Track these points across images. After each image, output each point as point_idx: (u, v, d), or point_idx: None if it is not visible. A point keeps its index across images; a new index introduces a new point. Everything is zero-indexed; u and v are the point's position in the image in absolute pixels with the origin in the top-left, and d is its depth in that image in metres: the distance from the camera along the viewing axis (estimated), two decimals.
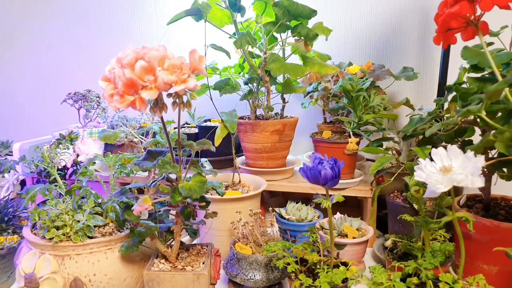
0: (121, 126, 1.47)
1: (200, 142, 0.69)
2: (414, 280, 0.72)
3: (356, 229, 1.02)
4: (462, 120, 0.90)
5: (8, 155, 1.55)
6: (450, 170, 0.63)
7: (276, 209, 1.14)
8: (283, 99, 1.34)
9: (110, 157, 0.92)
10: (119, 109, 0.57)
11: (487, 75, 0.93)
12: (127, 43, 1.77)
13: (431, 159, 0.67)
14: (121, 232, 0.85)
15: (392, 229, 1.12)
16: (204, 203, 0.73)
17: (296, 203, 1.15)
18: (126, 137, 1.44)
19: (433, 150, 0.66)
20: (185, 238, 1.06)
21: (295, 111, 1.61)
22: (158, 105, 0.61)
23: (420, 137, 1.11)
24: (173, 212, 0.84)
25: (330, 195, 0.80)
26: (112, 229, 0.86)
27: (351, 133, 1.21)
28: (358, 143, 1.18)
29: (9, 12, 1.94)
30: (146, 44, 1.77)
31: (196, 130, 1.51)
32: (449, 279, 0.69)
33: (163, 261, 0.83)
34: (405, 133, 1.10)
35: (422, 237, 0.87)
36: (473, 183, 0.59)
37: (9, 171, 1.32)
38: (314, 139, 1.24)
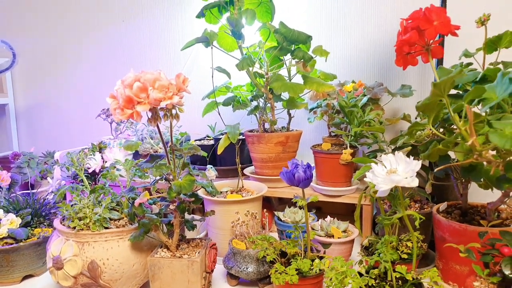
0: (148, 138, 1.66)
1: (192, 147, 0.84)
2: (375, 271, 0.81)
3: (343, 231, 1.11)
4: (433, 132, 0.99)
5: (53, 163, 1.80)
6: (395, 172, 0.73)
7: (276, 213, 1.26)
8: (289, 114, 1.48)
9: (127, 162, 1.09)
10: (121, 120, 0.73)
11: (460, 92, 1.01)
12: (156, 68, 1.99)
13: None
14: (132, 225, 1.01)
15: (381, 232, 1.20)
16: (193, 199, 0.87)
17: (294, 208, 1.27)
18: (151, 147, 1.63)
19: (383, 156, 0.76)
20: (192, 233, 1.21)
21: (305, 125, 1.74)
22: (153, 117, 0.77)
23: (408, 148, 1.20)
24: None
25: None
26: (125, 222, 1.02)
27: (348, 145, 1.31)
28: (353, 154, 1.28)
29: (60, 37, 2.24)
30: (172, 67, 1.98)
31: (213, 142, 1.67)
32: (403, 270, 0.78)
33: (165, 250, 0.98)
34: (395, 145, 1.19)
35: (397, 236, 0.96)
36: (409, 183, 0.69)
37: (52, 177, 1.54)
38: (313, 150, 1.36)
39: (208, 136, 1.87)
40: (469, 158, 0.77)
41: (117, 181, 1.11)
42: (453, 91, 1.03)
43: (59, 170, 1.32)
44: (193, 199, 0.87)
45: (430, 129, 0.99)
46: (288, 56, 1.35)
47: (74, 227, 0.95)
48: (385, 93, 1.39)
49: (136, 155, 1.69)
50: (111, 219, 1.01)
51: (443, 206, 1.07)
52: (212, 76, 1.29)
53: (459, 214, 1.04)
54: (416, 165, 0.71)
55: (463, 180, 1.02)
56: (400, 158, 0.74)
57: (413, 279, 0.77)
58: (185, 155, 0.84)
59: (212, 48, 1.25)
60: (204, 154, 0.85)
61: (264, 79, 1.32)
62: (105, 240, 0.96)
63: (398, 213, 0.79)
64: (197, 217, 1.04)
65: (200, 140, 1.79)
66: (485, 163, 0.85)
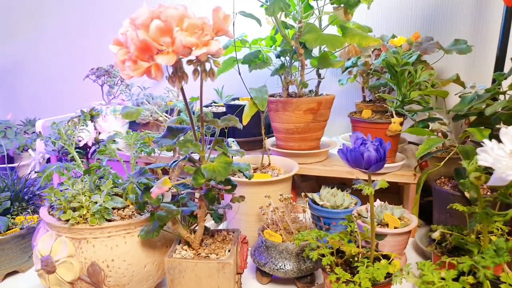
0: (146, 104, 1.41)
1: (225, 118, 0.61)
2: (470, 279, 0.62)
3: (398, 218, 0.92)
4: None
5: (35, 132, 1.54)
6: None
7: (309, 195, 1.05)
8: (319, 75, 1.24)
9: (130, 134, 0.86)
10: (131, 77, 0.49)
11: None
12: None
13: (499, 141, 0.56)
14: (141, 215, 0.79)
15: (438, 219, 1.01)
16: (230, 187, 0.65)
17: (331, 188, 1.06)
18: (151, 115, 1.38)
19: (502, 130, 0.55)
20: (211, 223, 1.00)
21: (331, 88, 1.50)
22: (177, 73, 0.53)
23: (472, 117, 0.99)
24: (198, 195, 0.77)
25: (372, 181, 0.70)
26: (132, 212, 0.80)
27: (393, 112, 1.09)
28: (401, 124, 1.07)
29: None
30: None
31: (224, 109, 1.43)
32: (510, 279, 0.58)
33: (186, 247, 0.77)
34: (456, 113, 0.98)
35: (476, 229, 0.76)
36: None
37: (34, 149, 1.30)
38: (352, 119, 1.14)
39: (214, 102, 1.63)
40: None
41: (117, 157, 0.88)
42: None
43: (42, 142, 1.07)
44: (229, 187, 0.65)
45: None
46: (321, 1, 1.09)
47: (67, 220, 0.73)
48: (436, 49, 1.15)
49: (132, 124, 1.45)
50: (114, 208, 0.79)
51: None
52: (234, 24, 1.02)
53: None
54: None
55: None
56: None
57: None
58: (218, 129, 0.61)
59: None
60: (240, 126, 0.62)
61: (296, 30, 1.06)
62: (108, 236, 0.74)
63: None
64: (221, 203, 0.83)
65: (206, 107, 1.55)
66: None
